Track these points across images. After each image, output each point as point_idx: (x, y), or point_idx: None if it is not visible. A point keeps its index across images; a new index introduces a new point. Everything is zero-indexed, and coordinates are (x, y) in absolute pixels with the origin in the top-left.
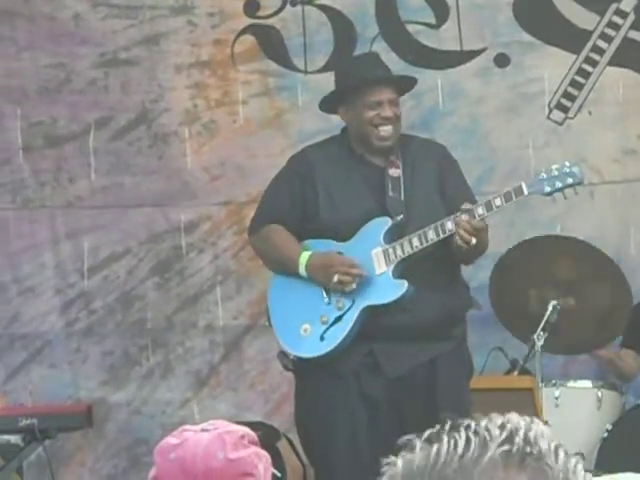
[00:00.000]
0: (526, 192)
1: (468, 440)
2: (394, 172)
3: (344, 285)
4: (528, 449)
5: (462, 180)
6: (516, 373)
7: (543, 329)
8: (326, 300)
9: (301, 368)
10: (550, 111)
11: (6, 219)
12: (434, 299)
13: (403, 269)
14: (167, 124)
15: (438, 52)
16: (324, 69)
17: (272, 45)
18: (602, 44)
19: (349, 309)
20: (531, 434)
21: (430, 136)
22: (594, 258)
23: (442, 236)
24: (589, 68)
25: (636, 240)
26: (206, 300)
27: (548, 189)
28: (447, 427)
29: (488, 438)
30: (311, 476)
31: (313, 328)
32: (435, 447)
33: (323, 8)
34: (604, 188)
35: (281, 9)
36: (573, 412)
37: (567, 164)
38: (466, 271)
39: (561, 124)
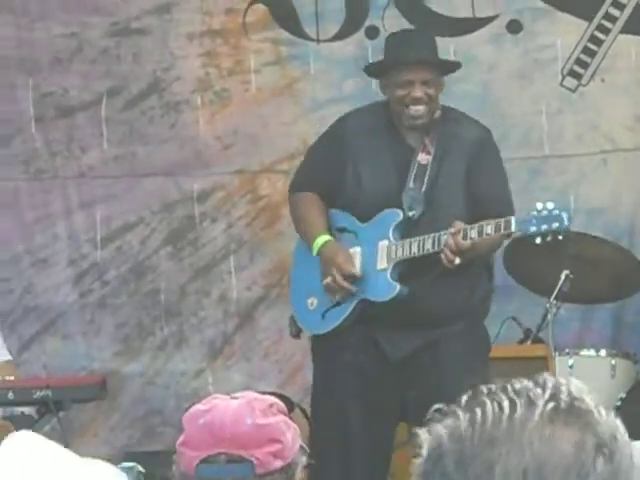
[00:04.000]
0: (513, 229)
1: (512, 401)
2: (423, 158)
3: (330, 291)
4: (576, 404)
5: (495, 176)
6: (530, 342)
7: (556, 298)
8: None
9: (312, 338)
10: (563, 78)
11: (18, 189)
12: (439, 295)
13: (410, 263)
14: (179, 93)
15: (450, 19)
16: (336, 37)
17: (284, 14)
18: (614, 11)
19: (348, 296)
20: (574, 389)
21: (442, 102)
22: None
23: (437, 249)
24: (601, 35)
25: None
26: (219, 270)
27: (533, 229)
28: (484, 392)
29: (533, 397)
30: None
31: (318, 303)
32: (479, 410)
33: None
34: (617, 155)
35: None
36: (587, 381)
37: (559, 207)
38: None
39: (574, 91)
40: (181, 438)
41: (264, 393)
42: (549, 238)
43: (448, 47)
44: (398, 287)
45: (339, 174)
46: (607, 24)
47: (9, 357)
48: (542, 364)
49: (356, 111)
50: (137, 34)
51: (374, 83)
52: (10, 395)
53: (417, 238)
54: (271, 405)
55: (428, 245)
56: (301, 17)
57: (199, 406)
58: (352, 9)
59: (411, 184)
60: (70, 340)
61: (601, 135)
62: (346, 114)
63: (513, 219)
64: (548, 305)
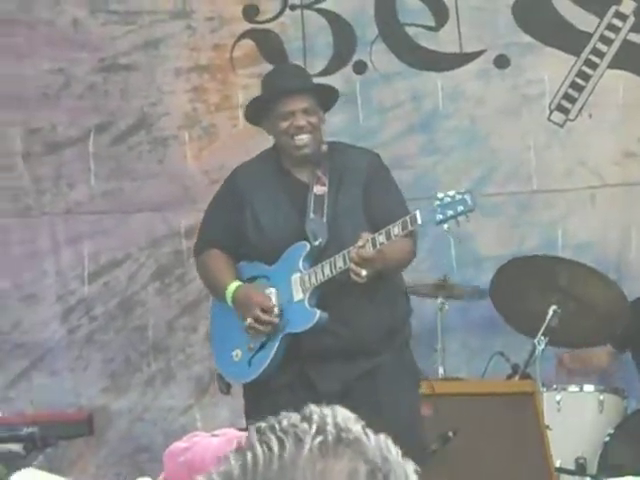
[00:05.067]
0: (419, 221)
1: (280, 440)
2: (319, 190)
3: (253, 331)
4: (343, 435)
5: (390, 194)
6: (517, 378)
7: (544, 334)
8: None
9: (243, 388)
10: (551, 113)
11: (6, 226)
12: (365, 317)
13: (328, 290)
14: (167, 128)
15: (438, 54)
16: (324, 73)
17: (271, 49)
18: (602, 47)
19: (272, 336)
20: (340, 420)
21: (430, 138)
22: (589, 269)
23: (350, 264)
24: (589, 71)
25: (637, 243)
26: (206, 306)
27: (440, 217)
28: (253, 434)
29: (300, 433)
30: None
31: (243, 354)
32: (249, 454)
33: (322, 12)
34: (605, 191)
35: (280, 13)
36: (575, 416)
37: (461, 191)
38: (467, 275)
39: (562, 126)
40: (161, 475)
41: (243, 430)
42: (456, 221)
43: (435, 82)
44: (318, 312)
45: (239, 226)
46: (595, 59)
47: None
48: (530, 400)
49: (244, 164)
50: (125, 70)
51: (362, 117)
52: None
53: (327, 260)
54: None
55: (340, 263)
56: (288, 52)
57: (179, 443)
58: (340, 44)
59: (312, 215)
60: (58, 376)
61: (589, 170)
62: (235, 169)
63: (418, 212)
64: (536, 340)
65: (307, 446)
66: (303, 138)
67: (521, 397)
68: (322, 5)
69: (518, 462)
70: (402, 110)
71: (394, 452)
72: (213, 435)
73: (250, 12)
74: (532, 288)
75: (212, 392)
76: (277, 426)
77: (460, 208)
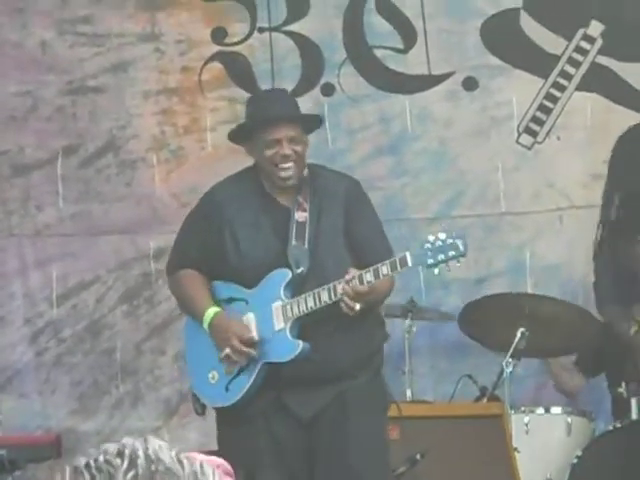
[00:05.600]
0: (410, 264)
1: (93, 478)
2: (300, 216)
3: (230, 361)
4: (153, 467)
5: (369, 221)
6: (485, 400)
7: (512, 356)
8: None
9: (216, 410)
10: (519, 135)
11: None
12: (341, 344)
13: (306, 319)
14: (135, 151)
15: (406, 76)
16: (292, 95)
17: (240, 72)
18: (570, 69)
19: (251, 362)
20: (150, 452)
21: (399, 160)
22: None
23: (335, 298)
24: (557, 93)
25: None
26: (175, 327)
27: (430, 261)
28: (67, 473)
29: (112, 471)
30: None
31: (220, 377)
32: None
33: (290, 34)
34: (572, 213)
35: (249, 36)
36: (543, 438)
37: (452, 235)
38: (435, 297)
39: (530, 148)
40: None
41: (212, 453)
42: (447, 265)
43: (404, 104)
44: (301, 344)
45: (217, 246)
46: (563, 81)
47: None
48: (498, 422)
49: (223, 182)
50: (93, 92)
51: (330, 139)
52: None
53: (311, 292)
54: (218, 466)
55: (324, 297)
56: (257, 74)
57: None
58: (308, 67)
59: (293, 242)
60: (26, 399)
61: (557, 192)
62: (212, 187)
63: (408, 254)
64: (504, 363)
65: None
66: (289, 167)
67: (489, 419)
68: (290, 27)
69: None
70: (370, 132)
71: (210, 474)
72: None
73: (218, 35)
74: (500, 317)
75: (181, 414)
76: (92, 463)
77: (452, 253)
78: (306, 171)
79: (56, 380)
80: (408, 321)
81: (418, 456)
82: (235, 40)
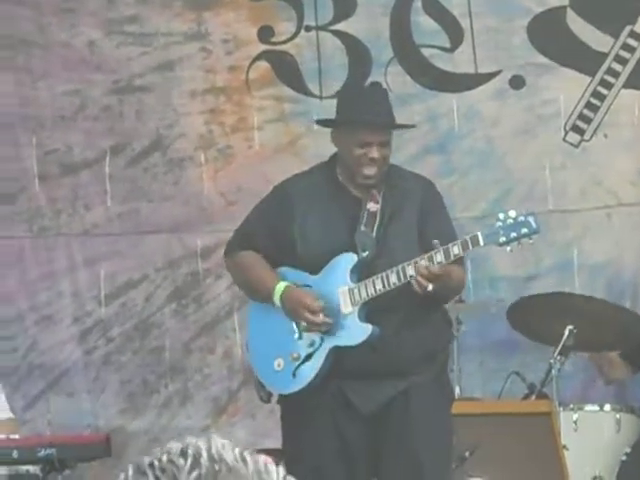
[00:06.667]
0: (482, 243)
1: (157, 479)
2: (372, 207)
3: (310, 330)
4: (217, 467)
5: (444, 221)
6: (534, 397)
7: (560, 353)
8: (297, 335)
9: (281, 400)
10: (566, 133)
11: (23, 248)
12: (408, 337)
13: (374, 309)
14: (182, 149)
15: (453, 75)
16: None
17: (287, 71)
18: (617, 66)
19: (318, 347)
20: (214, 451)
21: (446, 159)
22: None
23: (404, 280)
24: (604, 91)
25: None
26: (224, 326)
27: (503, 239)
28: (130, 472)
29: (176, 471)
30: None
31: (285, 364)
32: None
33: (337, 33)
34: (621, 210)
35: (295, 35)
36: (592, 436)
37: (524, 213)
38: (483, 295)
39: (577, 146)
40: None
41: (270, 450)
42: (520, 243)
43: (451, 103)
44: (371, 327)
45: (285, 235)
46: (610, 79)
47: (11, 414)
48: (547, 420)
49: (297, 175)
50: (140, 91)
51: None
52: (15, 454)
53: (379, 275)
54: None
55: (393, 279)
56: (304, 74)
57: None
58: (355, 66)
59: (362, 227)
60: (75, 397)
61: (604, 190)
62: (286, 179)
63: (480, 234)
64: (552, 360)
65: None
66: (372, 170)
67: (538, 417)
68: (337, 27)
69: None
70: (418, 131)
71: (274, 474)
72: None
73: (265, 33)
74: (547, 315)
75: (229, 413)
76: (156, 463)
77: (524, 230)
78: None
79: (105, 379)
80: (457, 319)
81: (467, 453)
82: (282, 39)
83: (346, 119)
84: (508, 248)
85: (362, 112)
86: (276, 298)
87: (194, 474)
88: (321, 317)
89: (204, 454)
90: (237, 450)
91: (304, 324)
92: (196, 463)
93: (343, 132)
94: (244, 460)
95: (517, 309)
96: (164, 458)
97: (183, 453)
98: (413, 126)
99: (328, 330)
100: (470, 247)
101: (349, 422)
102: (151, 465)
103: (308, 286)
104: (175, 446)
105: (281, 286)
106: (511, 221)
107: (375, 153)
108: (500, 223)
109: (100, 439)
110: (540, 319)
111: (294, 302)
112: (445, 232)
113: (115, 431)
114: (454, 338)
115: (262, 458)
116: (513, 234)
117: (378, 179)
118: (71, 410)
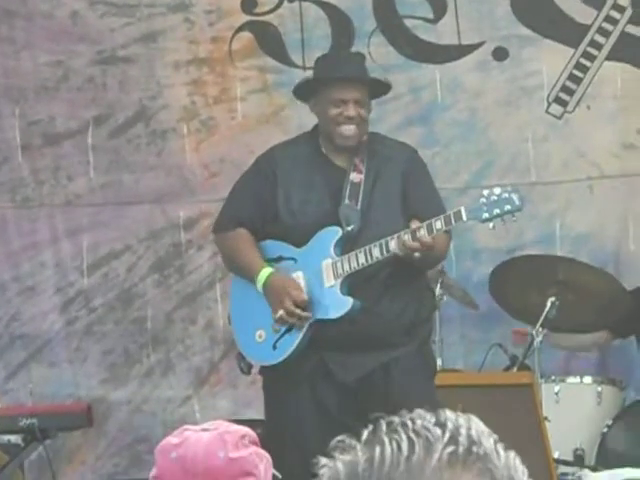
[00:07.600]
0: (465, 218)
1: (411, 441)
2: (356, 177)
3: (282, 322)
4: (474, 449)
5: (428, 189)
6: (515, 369)
7: (542, 325)
8: None
9: (262, 371)
10: (549, 105)
11: (5, 218)
12: (389, 309)
13: (355, 280)
14: (165, 121)
15: (436, 46)
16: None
17: (270, 41)
18: (600, 39)
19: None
20: (473, 432)
21: (429, 130)
22: (586, 264)
23: (387, 255)
24: (587, 63)
25: (635, 234)
26: (206, 297)
27: (486, 215)
28: (383, 428)
29: (432, 439)
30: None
31: (266, 335)
32: (378, 450)
33: (320, 4)
34: (603, 182)
35: (278, 5)
36: (573, 408)
37: (507, 190)
38: (465, 267)
39: (560, 118)
40: (153, 471)
41: (252, 421)
42: (503, 219)
43: (434, 74)
44: (351, 300)
45: (270, 203)
46: (593, 51)
47: None
48: (528, 391)
49: (281, 144)
50: (123, 62)
51: None
52: None
53: (362, 248)
54: (243, 436)
55: (376, 253)
56: (287, 44)
57: (170, 439)
58: (338, 36)
59: (346, 201)
60: (57, 368)
61: (587, 162)
62: (270, 148)
63: (463, 209)
64: (534, 332)
65: (437, 454)
66: (350, 129)
67: (519, 389)
68: None
69: (516, 454)
70: (401, 102)
71: (520, 472)
72: (203, 429)
73: (248, 4)
74: (530, 283)
75: (211, 383)
76: (410, 425)
77: (507, 207)
78: (366, 137)
79: (87, 349)
80: (438, 290)
81: None
82: (265, 10)
83: (319, 78)
84: (491, 224)
85: (335, 70)
86: (259, 285)
87: (450, 449)
88: (299, 311)
89: (463, 432)
90: (492, 439)
91: (281, 313)
92: (454, 439)
93: (319, 95)
94: (498, 452)
95: (499, 276)
96: (418, 422)
97: (440, 424)
98: (389, 84)
99: (308, 298)
100: (453, 223)
101: (331, 393)
102: (404, 424)
103: (293, 259)
104: (428, 415)
105: (265, 273)
106: (495, 198)
107: (351, 111)
108: (484, 199)
109: (82, 409)
110: (521, 290)
111: (280, 290)
112: (428, 199)
113: (97, 401)
114: (436, 308)
115: (512, 454)
116: (496, 210)
117: (357, 140)
118: (53, 380)
